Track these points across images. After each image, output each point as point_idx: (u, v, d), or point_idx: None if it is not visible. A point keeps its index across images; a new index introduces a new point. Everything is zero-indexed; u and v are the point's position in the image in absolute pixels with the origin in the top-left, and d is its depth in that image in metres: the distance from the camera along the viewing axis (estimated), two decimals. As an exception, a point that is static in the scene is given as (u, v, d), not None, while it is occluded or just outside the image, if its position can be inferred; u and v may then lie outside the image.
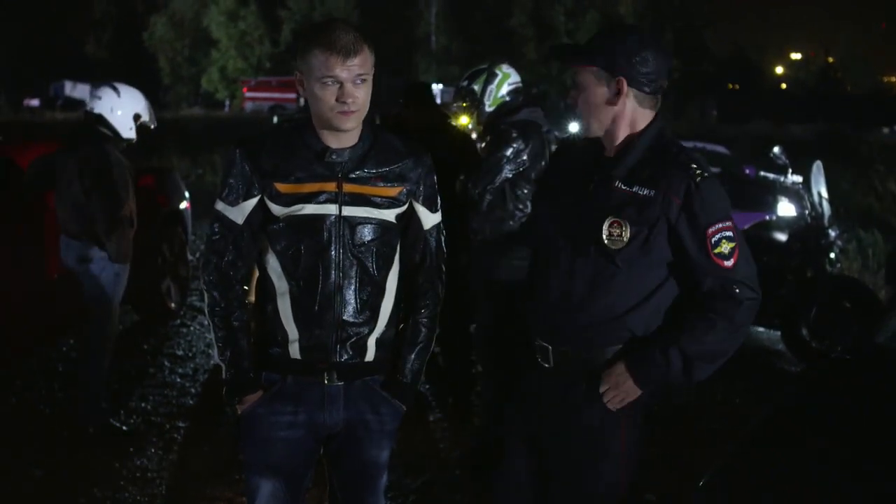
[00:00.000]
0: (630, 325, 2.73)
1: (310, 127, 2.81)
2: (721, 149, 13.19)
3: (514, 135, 5.12)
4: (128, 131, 5.49)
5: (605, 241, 2.67)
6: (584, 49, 2.76)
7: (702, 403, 6.35)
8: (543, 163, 5.17)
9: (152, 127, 5.70)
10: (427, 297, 2.98)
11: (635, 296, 2.71)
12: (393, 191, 2.82)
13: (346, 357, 2.82)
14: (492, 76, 5.42)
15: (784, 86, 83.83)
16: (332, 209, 2.76)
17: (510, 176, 5.09)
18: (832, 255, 7.61)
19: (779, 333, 7.72)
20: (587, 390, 2.76)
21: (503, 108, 5.38)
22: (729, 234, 2.66)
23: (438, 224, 2.97)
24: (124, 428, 5.54)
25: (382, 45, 60.03)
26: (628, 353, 2.72)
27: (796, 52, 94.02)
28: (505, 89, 5.40)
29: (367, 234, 2.80)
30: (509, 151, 5.07)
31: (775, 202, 10.51)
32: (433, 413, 5.98)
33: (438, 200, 2.97)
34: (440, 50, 62.12)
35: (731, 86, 74.70)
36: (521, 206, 5.11)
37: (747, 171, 12.24)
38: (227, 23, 61.36)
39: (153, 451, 5.32)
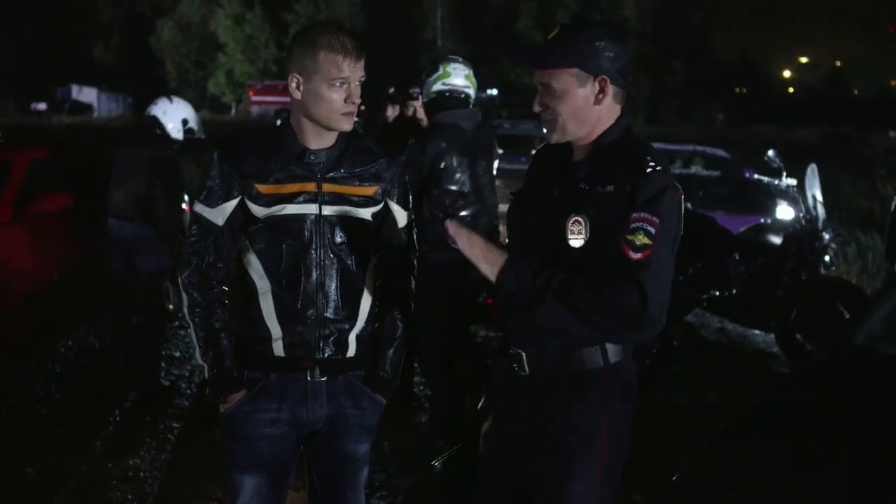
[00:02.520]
0: None
1: (288, 128, 2.86)
2: (721, 152, 13.22)
3: (411, 141, 5.19)
4: (176, 133, 6.44)
5: (568, 240, 2.58)
6: (560, 50, 2.63)
7: (695, 404, 6.38)
8: (455, 165, 5.13)
9: (200, 136, 6.64)
10: (403, 294, 3.05)
11: None
12: (369, 190, 2.89)
13: (328, 353, 2.88)
14: (433, 70, 5.39)
15: (792, 89, 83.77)
16: (312, 209, 2.82)
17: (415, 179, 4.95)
18: (827, 258, 7.63)
19: (773, 336, 7.74)
20: (566, 393, 2.68)
21: (432, 106, 5.35)
22: (650, 229, 2.49)
23: (411, 221, 3.05)
24: None
25: (388, 49, 60.23)
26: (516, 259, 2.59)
27: (804, 55, 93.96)
28: (438, 86, 5.32)
29: (346, 232, 2.86)
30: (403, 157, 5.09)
31: (774, 206, 10.54)
32: (425, 414, 6.01)
33: (410, 199, 3.04)
34: (446, 53, 62.26)
35: (738, 89, 74.69)
36: (438, 212, 5.02)
37: (748, 175, 12.26)
38: (234, 27, 61.59)
39: (146, 451, 5.36)
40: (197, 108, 7.69)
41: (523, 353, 2.73)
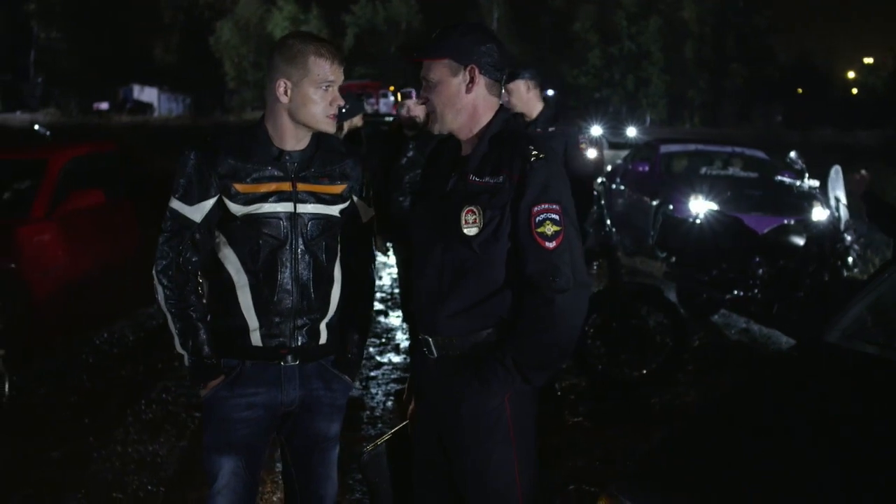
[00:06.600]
0: (497, 308, 2.83)
1: (262, 130, 3.04)
2: (760, 154, 13.23)
3: (412, 145, 5.24)
4: None
5: (463, 229, 2.79)
6: (437, 44, 2.90)
7: (703, 404, 6.42)
8: None
9: None
10: (365, 283, 3.28)
11: (497, 280, 2.82)
12: (338, 188, 3.08)
13: (302, 342, 3.07)
14: None
15: (855, 91, 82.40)
16: (287, 207, 3.00)
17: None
18: (850, 260, 7.63)
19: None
20: (469, 375, 2.83)
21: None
22: (555, 216, 2.73)
23: (373, 217, 3.25)
24: None
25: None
26: (479, 366, 2.81)
27: (869, 56, 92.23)
28: None
29: (318, 228, 3.04)
30: (404, 161, 5.18)
31: (810, 207, 10.50)
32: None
33: (371, 196, 3.23)
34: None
35: (799, 91, 73.75)
36: None
37: (784, 178, 12.21)
38: (291, 27, 62.19)
39: (165, 438, 5.58)
40: (254, 108, 8.45)
41: (430, 339, 2.93)
